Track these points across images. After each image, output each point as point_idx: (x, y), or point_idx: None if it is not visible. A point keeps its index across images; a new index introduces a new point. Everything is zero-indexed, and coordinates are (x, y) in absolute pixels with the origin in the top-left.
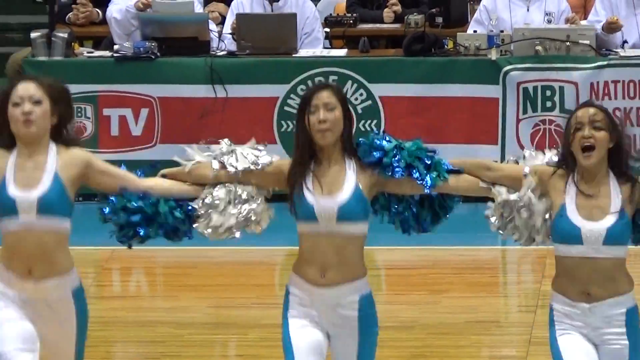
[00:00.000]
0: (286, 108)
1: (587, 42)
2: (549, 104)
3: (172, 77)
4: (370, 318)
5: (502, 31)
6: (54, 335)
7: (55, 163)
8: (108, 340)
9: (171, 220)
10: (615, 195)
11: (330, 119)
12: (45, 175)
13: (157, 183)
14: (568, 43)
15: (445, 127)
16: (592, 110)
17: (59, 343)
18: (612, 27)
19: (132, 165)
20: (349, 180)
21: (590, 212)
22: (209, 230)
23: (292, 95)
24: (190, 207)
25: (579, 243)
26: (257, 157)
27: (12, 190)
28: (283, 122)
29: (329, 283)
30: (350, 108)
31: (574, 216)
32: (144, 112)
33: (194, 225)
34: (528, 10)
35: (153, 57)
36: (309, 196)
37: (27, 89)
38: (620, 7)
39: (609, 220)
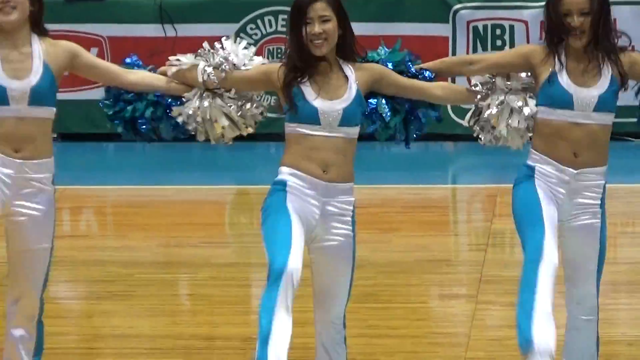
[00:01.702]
0: None
1: None
2: (499, 42)
3: (121, 16)
4: (354, 226)
5: None
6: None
7: (43, 53)
8: (58, 280)
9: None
10: (604, 64)
11: (326, 31)
12: (35, 64)
13: (143, 77)
14: None
15: None
16: None
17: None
18: None
19: (81, 105)
20: (350, 84)
21: (582, 79)
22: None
23: (241, 34)
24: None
25: (570, 108)
26: (244, 58)
27: (2, 79)
28: None
29: (331, 179)
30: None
31: (566, 82)
32: (94, 51)
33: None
34: None
35: None
36: (311, 99)
37: None
38: None
39: (601, 86)
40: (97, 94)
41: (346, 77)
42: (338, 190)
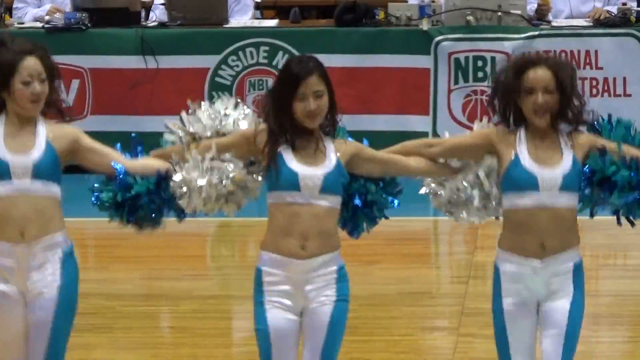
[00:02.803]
0: (217, 79)
1: (519, 12)
2: (480, 74)
3: (103, 48)
4: (345, 288)
5: (433, 1)
6: (36, 299)
7: (47, 132)
8: None
9: (147, 203)
10: (564, 143)
11: (320, 107)
12: (38, 141)
13: (143, 164)
14: (499, 13)
15: (377, 98)
16: (541, 73)
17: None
18: (542, 9)
19: None
20: (330, 153)
21: (544, 160)
22: (192, 207)
23: (223, 66)
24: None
25: (535, 190)
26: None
27: (4, 154)
28: (214, 92)
29: (309, 255)
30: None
31: (529, 164)
32: (75, 83)
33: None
34: None
35: (84, 27)
36: (292, 165)
37: (35, 66)
38: None
39: (565, 165)
40: (79, 125)
41: (327, 146)
42: (318, 264)
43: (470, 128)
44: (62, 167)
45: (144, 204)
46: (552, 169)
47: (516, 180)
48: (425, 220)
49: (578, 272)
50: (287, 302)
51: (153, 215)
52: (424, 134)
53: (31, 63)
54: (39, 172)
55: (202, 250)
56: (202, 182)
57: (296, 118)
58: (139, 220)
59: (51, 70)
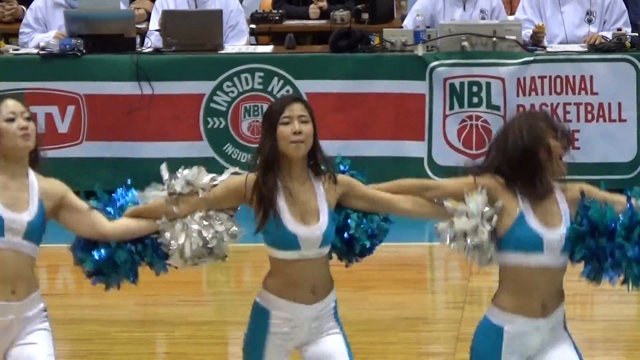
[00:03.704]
0: (212, 105)
1: (514, 37)
2: (475, 99)
3: (98, 74)
4: (339, 321)
5: (428, 27)
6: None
7: (38, 189)
8: None
9: (129, 267)
10: (560, 199)
11: (305, 131)
12: (32, 199)
13: (119, 226)
14: (494, 39)
15: (372, 124)
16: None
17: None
18: (538, 36)
19: (59, 164)
20: (322, 202)
21: (546, 219)
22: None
23: (218, 92)
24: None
25: (540, 252)
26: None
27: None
28: (209, 118)
29: (319, 299)
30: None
31: (535, 224)
32: (70, 109)
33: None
34: (464, 9)
35: (79, 54)
36: (290, 225)
37: (15, 105)
38: (546, 6)
39: (565, 225)
40: (71, 152)
41: (317, 192)
42: (324, 303)
43: (465, 154)
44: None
45: (124, 267)
46: (555, 229)
47: (522, 240)
48: (420, 245)
49: (565, 320)
50: (288, 344)
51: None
52: (419, 160)
53: (11, 103)
54: (31, 233)
55: (198, 276)
56: (195, 239)
57: (282, 148)
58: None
59: (33, 117)
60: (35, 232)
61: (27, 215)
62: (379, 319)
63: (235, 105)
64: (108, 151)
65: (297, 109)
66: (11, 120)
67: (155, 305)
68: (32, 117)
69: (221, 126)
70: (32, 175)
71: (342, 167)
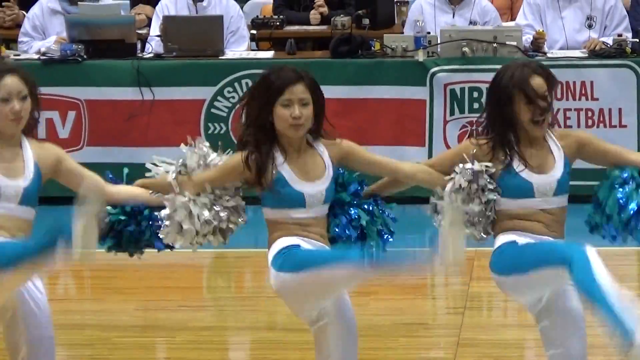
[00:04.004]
0: (213, 110)
1: (514, 43)
2: (476, 105)
3: (99, 79)
4: None
5: (428, 32)
6: None
7: (33, 155)
8: None
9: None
10: (555, 146)
11: (305, 115)
12: (27, 166)
13: (124, 190)
14: (495, 44)
15: (373, 129)
16: (539, 81)
17: None
18: (538, 42)
19: None
20: (327, 163)
21: (538, 165)
22: (177, 239)
23: (219, 98)
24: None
25: (531, 197)
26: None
27: None
28: (210, 124)
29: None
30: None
31: (524, 172)
32: (71, 114)
33: (161, 236)
34: (453, 17)
35: (80, 59)
36: (295, 184)
37: (14, 84)
38: (546, 11)
39: (558, 171)
40: (72, 157)
41: (319, 154)
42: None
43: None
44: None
45: (123, 231)
46: (546, 174)
47: (512, 188)
48: (420, 251)
49: None
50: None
51: (134, 241)
52: None
53: (9, 81)
54: (27, 198)
55: (198, 281)
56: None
57: (279, 127)
58: (122, 247)
59: (32, 89)
60: (31, 197)
61: (23, 181)
62: (379, 325)
63: (236, 111)
64: (109, 156)
65: (298, 91)
66: (5, 100)
67: (156, 310)
68: (32, 86)
69: (222, 131)
70: (26, 141)
71: (354, 188)
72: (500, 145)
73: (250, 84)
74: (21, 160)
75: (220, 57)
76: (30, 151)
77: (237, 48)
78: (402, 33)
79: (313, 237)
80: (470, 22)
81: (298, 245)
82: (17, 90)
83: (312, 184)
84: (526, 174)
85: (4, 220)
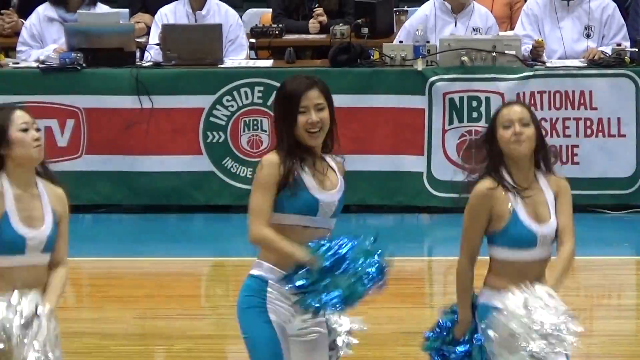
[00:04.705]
0: (212, 119)
1: (513, 52)
2: (475, 114)
3: (97, 87)
4: None
5: (427, 42)
6: None
7: (49, 198)
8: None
9: None
10: (547, 190)
11: (322, 119)
12: (46, 211)
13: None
14: (494, 54)
15: (372, 138)
16: (517, 108)
17: None
18: (537, 51)
19: (58, 177)
20: (339, 176)
21: (537, 214)
22: None
23: (217, 106)
24: None
25: (534, 247)
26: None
27: (19, 228)
28: (209, 132)
29: None
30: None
31: (528, 221)
32: (70, 123)
33: None
34: (455, 25)
35: (79, 68)
36: (313, 190)
37: (25, 116)
38: (544, 21)
39: (554, 218)
40: (70, 165)
41: (329, 166)
42: None
43: (464, 169)
44: None
45: None
46: (546, 223)
47: (517, 238)
48: (419, 260)
49: None
50: (289, 312)
51: None
52: (418, 174)
53: (21, 113)
54: (49, 246)
55: (197, 290)
56: None
57: (299, 135)
58: None
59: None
60: (52, 244)
61: (45, 230)
62: (378, 334)
63: (235, 120)
64: (107, 165)
65: (313, 96)
66: (25, 130)
67: (154, 319)
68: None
69: (221, 140)
70: (40, 182)
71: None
72: (503, 187)
73: (249, 93)
74: (40, 206)
75: (219, 66)
76: (44, 192)
77: (236, 57)
78: (401, 42)
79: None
80: (474, 30)
81: (265, 328)
82: (30, 121)
83: (328, 193)
84: (529, 224)
85: (29, 274)
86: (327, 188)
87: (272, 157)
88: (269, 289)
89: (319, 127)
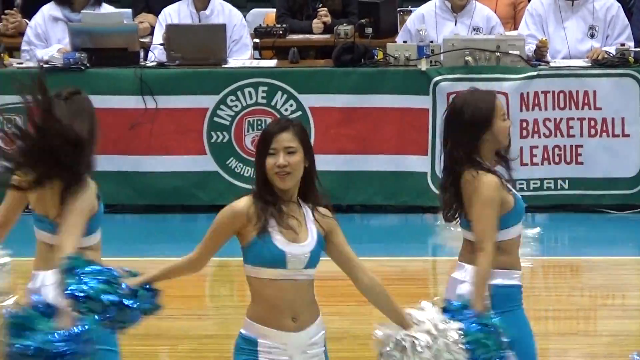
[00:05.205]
0: (216, 119)
1: (517, 52)
2: None
3: (102, 87)
4: (327, 351)
5: (431, 42)
6: None
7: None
8: None
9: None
10: (308, 216)
11: (291, 164)
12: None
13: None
14: (498, 53)
15: (375, 138)
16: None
17: None
18: (541, 50)
19: None
20: (310, 224)
21: (292, 236)
22: None
23: (221, 106)
24: None
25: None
26: None
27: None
28: (213, 132)
29: (302, 326)
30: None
31: (279, 239)
32: None
33: None
34: (455, 24)
35: (83, 67)
36: (278, 242)
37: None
38: (548, 21)
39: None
40: None
41: (306, 216)
42: (309, 333)
43: None
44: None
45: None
46: (300, 244)
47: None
48: (423, 260)
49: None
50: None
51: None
52: (422, 174)
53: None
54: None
55: (201, 290)
56: None
57: (269, 177)
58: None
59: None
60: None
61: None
62: None
63: (239, 119)
64: (112, 165)
65: (284, 139)
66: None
67: (158, 319)
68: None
69: (225, 140)
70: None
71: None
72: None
73: (252, 93)
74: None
75: (223, 66)
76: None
77: (240, 57)
78: (405, 42)
79: (289, 312)
80: (474, 29)
81: None
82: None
83: (296, 245)
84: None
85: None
86: (295, 239)
87: (240, 205)
88: (260, 348)
89: (286, 171)
